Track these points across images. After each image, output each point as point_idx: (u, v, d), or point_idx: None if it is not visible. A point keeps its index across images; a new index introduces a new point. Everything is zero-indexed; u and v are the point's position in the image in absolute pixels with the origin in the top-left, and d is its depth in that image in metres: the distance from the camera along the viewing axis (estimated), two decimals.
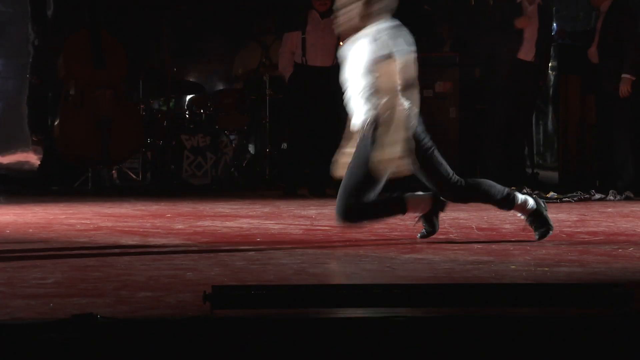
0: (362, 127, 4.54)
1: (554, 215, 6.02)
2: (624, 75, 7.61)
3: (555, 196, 7.24)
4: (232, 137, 9.02)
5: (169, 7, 9.56)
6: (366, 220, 4.71)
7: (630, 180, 7.77)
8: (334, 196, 7.86)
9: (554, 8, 11.01)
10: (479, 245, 4.58)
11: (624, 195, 7.44)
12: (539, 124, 10.15)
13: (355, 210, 4.53)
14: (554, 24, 11.04)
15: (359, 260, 4.18)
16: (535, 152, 10.06)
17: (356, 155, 4.58)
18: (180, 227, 5.41)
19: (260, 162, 9.14)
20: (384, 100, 4.46)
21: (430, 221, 4.73)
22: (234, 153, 8.88)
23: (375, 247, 4.54)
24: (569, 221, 5.71)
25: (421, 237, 4.75)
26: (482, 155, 8.49)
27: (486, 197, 4.65)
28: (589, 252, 4.34)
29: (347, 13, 4.56)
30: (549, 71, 9.58)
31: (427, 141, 4.54)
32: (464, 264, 3.95)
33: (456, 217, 5.95)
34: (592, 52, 7.90)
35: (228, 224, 5.59)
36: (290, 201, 7.31)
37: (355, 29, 4.59)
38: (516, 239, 4.76)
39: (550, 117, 10.04)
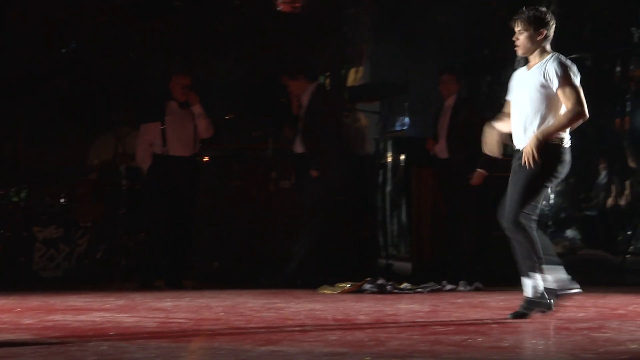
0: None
1: (408, 306, 6.16)
2: (479, 170, 7.85)
3: (409, 287, 7.36)
4: (86, 228, 8.83)
5: (23, 94, 9.41)
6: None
7: (480, 271, 7.98)
8: (190, 288, 7.87)
9: (406, 103, 11.41)
10: (334, 336, 4.61)
11: (473, 286, 7.63)
12: (393, 215, 10.38)
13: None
14: (406, 119, 11.45)
15: (214, 353, 4.14)
16: (389, 242, 10.25)
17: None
18: (29, 321, 5.24)
19: (116, 253, 8.97)
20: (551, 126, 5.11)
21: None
22: (88, 244, 8.70)
23: (231, 340, 4.51)
24: (421, 312, 5.83)
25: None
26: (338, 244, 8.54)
27: (534, 246, 5.17)
28: (440, 342, 4.44)
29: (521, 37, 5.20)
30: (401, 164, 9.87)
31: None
32: (319, 356, 3.97)
33: (312, 308, 5.99)
34: (441, 147, 8.15)
35: (80, 317, 5.45)
36: (146, 293, 7.19)
37: (529, 54, 5.23)
38: (371, 329, 4.82)
39: (404, 208, 10.28)
